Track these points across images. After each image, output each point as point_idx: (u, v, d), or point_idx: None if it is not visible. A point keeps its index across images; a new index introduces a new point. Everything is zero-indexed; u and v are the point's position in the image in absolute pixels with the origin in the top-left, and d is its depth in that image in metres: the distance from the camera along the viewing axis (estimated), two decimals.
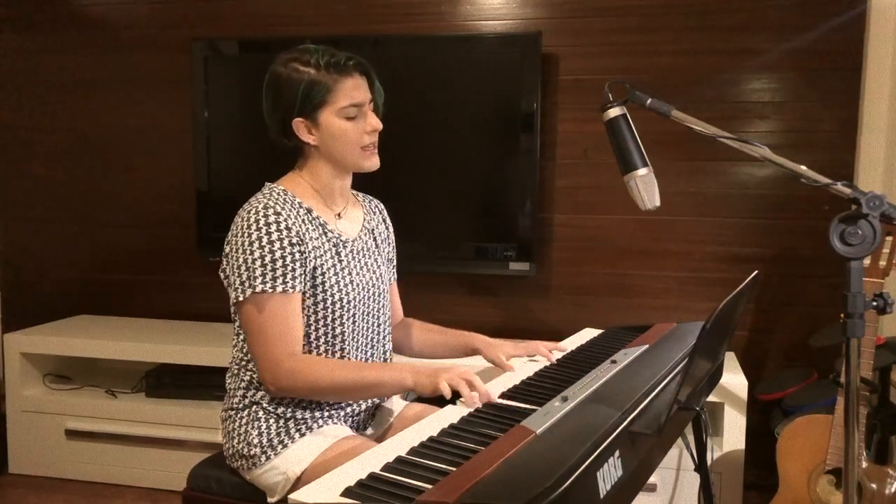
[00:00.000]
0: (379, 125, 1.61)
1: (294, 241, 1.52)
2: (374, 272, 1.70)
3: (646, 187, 1.50)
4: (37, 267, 3.43)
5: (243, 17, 3.13)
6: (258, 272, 1.49)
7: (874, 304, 1.24)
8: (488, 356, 1.76)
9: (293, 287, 1.52)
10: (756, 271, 1.62)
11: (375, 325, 1.71)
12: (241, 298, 1.51)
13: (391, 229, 1.85)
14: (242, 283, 1.50)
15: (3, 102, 3.39)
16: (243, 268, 1.50)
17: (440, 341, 1.87)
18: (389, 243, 1.84)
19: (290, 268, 1.51)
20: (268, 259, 1.50)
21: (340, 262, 1.61)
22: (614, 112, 1.50)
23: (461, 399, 1.42)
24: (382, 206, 1.86)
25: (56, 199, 3.39)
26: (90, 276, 3.39)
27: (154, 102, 3.25)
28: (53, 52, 3.32)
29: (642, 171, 1.49)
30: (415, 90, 2.86)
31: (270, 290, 1.49)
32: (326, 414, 1.61)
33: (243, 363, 1.62)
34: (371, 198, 1.84)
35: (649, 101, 1.42)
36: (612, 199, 2.88)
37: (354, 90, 1.57)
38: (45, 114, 3.36)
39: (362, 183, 1.75)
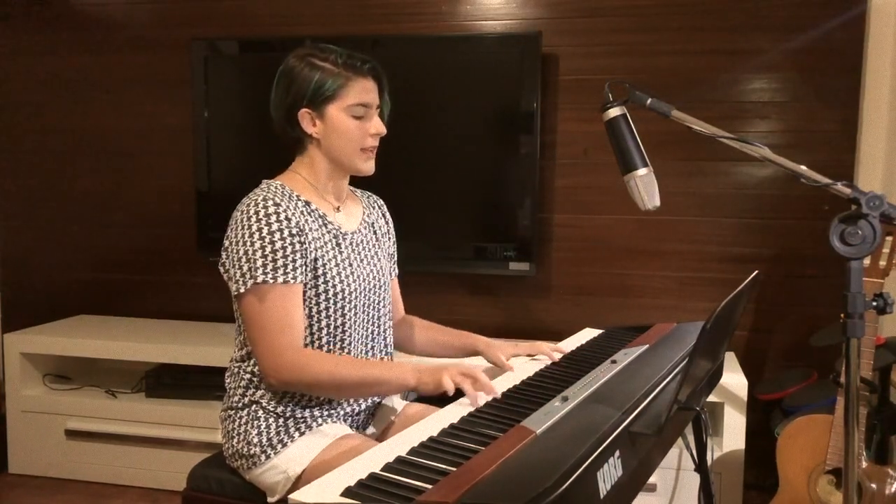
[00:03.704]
0: (383, 130, 1.63)
1: (294, 231, 1.52)
2: (375, 265, 1.71)
3: (646, 187, 1.50)
4: (37, 267, 3.44)
5: (243, 17, 3.13)
6: (259, 263, 1.49)
7: (874, 304, 1.24)
8: (488, 357, 1.77)
9: (294, 278, 1.52)
10: (756, 271, 1.62)
11: (376, 317, 1.71)
12: (241, 290, 1.51)
13: (391, 224, 1.86)
14: (244, 275, 1.50)
15: (3, 102, 3.40)
16: (244, 259, 1.50)
17: (442, 341, 1.87)
18: (389, 238, 1.84)
19: (290, 258, 1.51)
20: (268, 250, 1.50)
21: (341, 253, 1.62)
22: (614, 112, 1.50)
23: (464, 397, 1.42)
24: (382, 202, 1.87)
25: (56, 200, 3.39)
26: (90, 276, 3.39)
27: (154, 102, 3.25)
28: (53, 52, 3.32)
29: (642, 171, 1.49)
30: (415, 90, 2.86)
31: (272, 281, 1.49)
32: (326, 413, 1.61)
33: (243, 362, 1.62)
34: (369, 193, 1.85)
35: (649, 101, 1.42)
36: (612, 199, 2.88)
37: (365, 91, 1.59)
38: (45, 114, 3.36)
39: (363, 182, 1.76)
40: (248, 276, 1.50)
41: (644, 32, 2.81)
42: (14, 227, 3.44)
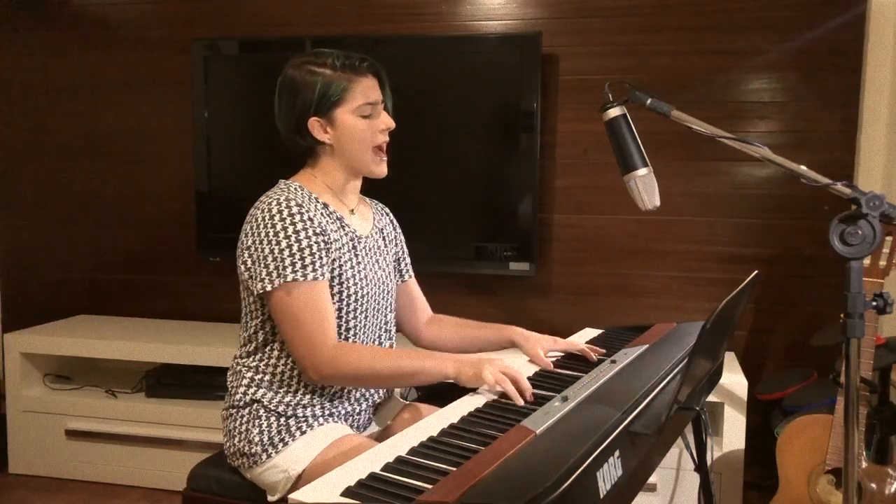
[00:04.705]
0: (392, 123, 1.64)
1: (317, 230, 1.53)
2: (384, 270, 1.72)
3: (646, 187, 1.50)
4: (37, 267, 3.43)
5: (243, 17, 3.13)
6: (287, 262, 1.50)
7: (874, 304, 1.24)
8: (526, 350, 1.73)
9: (322, 275, 1.53)
10: (756, 271, 1.62)
11: (383, 321, 1.72)
12: (269, 288, 1.50)
13: (399, 230, 1.87)
14: (270, 273, 1.50)
15: (4, 102, 3.40)
16: (269, 258, 1.50)
17: (477, 336, 1.85)
18: (397, 243, 1.85)
19: (317, 256, 1.52)
20: (295, 248, 1.50)
21: (356, 256, 1.63)
22: (614, 112, 1.50)
23: (476, 391, 1.45)
24: (389, 210, 1.88)
25: (56, 199, 3.39)
26: (90, 276, 3.39)
27: (154, 102, 3.25)
28: (54, 52, 3.32)
29: (642, 171, 1.49)
30: (415, 90, 2.85)
31: (301, 279, 1.50)
32: (327, 413, 1.61)
33: (248, 357, 1.62)
34: (377, 202, 1.86)
35: (649, 101, 1.42)
36: (612, 199, 2.88)
37: (369, 89, 1.60)
38: (46, 114, 3.36)
39: (363, 183, 1.76)
40: (274, 274, 1.50)
41: (644, 32, 2.81)
42: (14, 227, 3.44)
